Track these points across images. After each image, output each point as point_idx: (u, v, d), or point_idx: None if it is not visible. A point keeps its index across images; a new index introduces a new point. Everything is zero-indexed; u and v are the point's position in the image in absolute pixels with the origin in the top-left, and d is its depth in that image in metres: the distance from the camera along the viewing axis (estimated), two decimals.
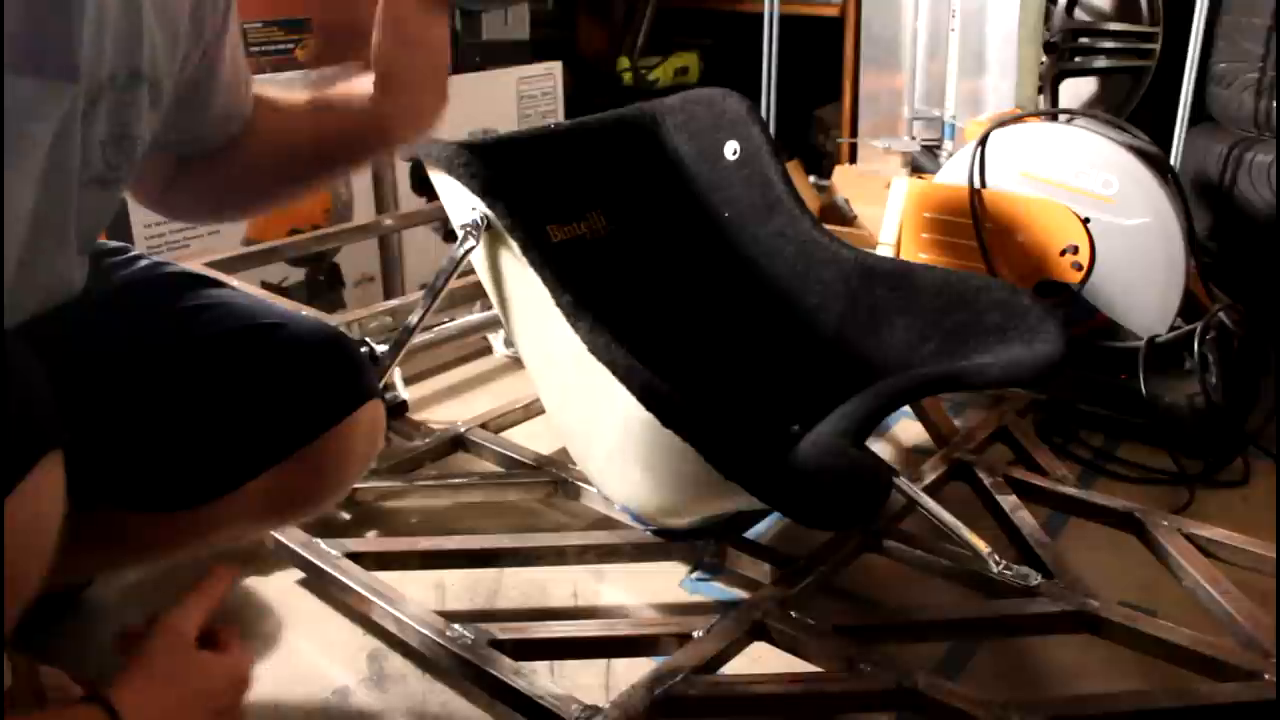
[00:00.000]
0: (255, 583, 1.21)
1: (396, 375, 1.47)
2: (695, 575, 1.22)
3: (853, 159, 2.44)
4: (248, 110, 0.90)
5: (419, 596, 1.11)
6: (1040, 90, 2.00)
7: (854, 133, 2.45)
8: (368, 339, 1.36)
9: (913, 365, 1.19)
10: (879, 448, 1.51)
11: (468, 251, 1.19)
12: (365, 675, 1.07)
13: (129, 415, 0.83)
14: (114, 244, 0.96)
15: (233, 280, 1.51)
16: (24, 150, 0.62)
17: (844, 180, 2.23)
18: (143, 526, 0.88)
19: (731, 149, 1.39)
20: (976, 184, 1.61)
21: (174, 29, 0.73)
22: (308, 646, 1.12)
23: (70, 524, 0.83)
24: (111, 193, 0.74)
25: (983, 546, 1.06)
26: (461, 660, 0.97)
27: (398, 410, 1.47)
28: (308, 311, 1.39)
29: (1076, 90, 2.16)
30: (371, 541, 1.25)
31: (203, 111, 0.85)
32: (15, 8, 0.59)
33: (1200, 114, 1.86)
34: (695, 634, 0.99)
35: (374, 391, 0.94)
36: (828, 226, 1.37)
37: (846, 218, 2.14)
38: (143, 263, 0.93)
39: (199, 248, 1.79)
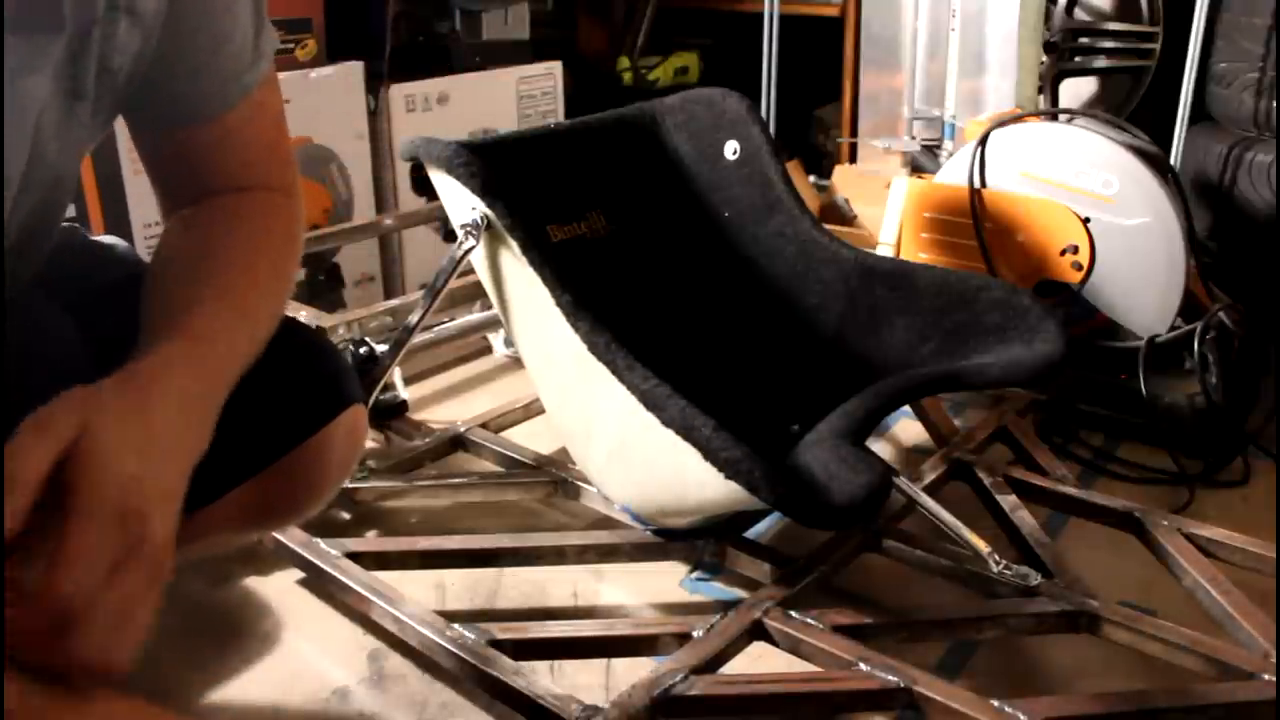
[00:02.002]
0: (255, 582, 1.21)
1: (396, 375, 1.47)
2: (695, 575, 1.22)
3: (853, 159, 2.44)
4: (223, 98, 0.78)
5: (419, 596, 1.11)
6: (1040, 90, 2.00)
7: (854, 133, 2.45)
8: (368, 339, 1.36)
9: (912, 365, 1.19)
10: (879, 447, 1.51)
11: (467, 251, 1.19)
12: (365, 675, 1.07)
13: None
14: (105, 239, 0.95)
15: None
16: (24, 107, 0.61)
17: (844, 180, 2.23)
18: None
19: (731, 149, 1.39)
20: (976, 184, 1.61)
21: None
22: (308, 646, 1.12)
23: None
24: (95, 129, 0.71)
25: (982, 546, 1.06)
26: (461, 660, 0.97)
27: (397, 410, 1.47)
28: (305, 313, 1.39)
29: (1076, 90, 2.16)
30: (371, 541, 1.25)
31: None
32: None
33: (1200, 114, 1.86)
34: (695, 634, 1.00)
35: (354, 397, 0.90)
36: (828, 226, 1.37)
37: (846, 218, 2.14)
38: (121, 258, 0.91)
39: None
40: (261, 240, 0.79)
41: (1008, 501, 1.21)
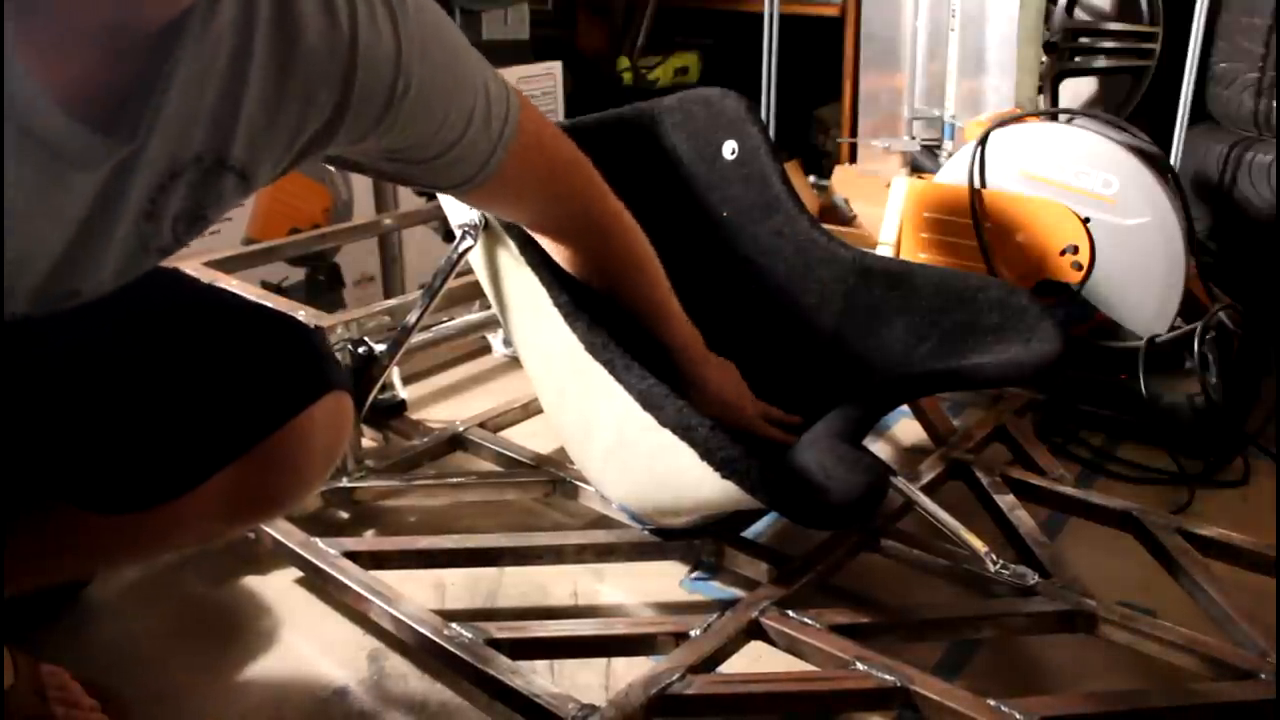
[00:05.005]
0: (254, 582, 1.21)
1: (395, 374, 1.47)
2: (693, 574, 1.22)
3: (853, 159, 2.44)
4: (476, 171, 0.87)
5: (419, 596, 1.11)
6: (1040, 90, 2.00)
7: (854, 133, 2.45)
8: (367, 339, 1.36)
9: (911, 364, 1.19)
10: (877, 447, 1.51)
11: (465, 251, 1.19)
12: (365, 675, 1.07)
13: (79, 409, 0.81)
14: None
15: (228, 279, 1.52)
16: (61, 192, 0.61)
17: (844, 180, 2.23)
18: (104, 528, 0.85)
19: (730, 148, 1.39)
20: (976, 184, 1.61)
21: (289, 135, 0.71)
22: (307, 646, 1.12)
23: (31, 524, 0.83)
24: (165, 258, 0.73)
25: (980, 546, 1.06)
26: (459, 659, 0.97)
27: (396, 409, 1.48)
28: (304, 313, 1.39)
29: (1076, 90, 2.16)
30: (370, 540, 1.25)
31: (414, 167, 0.84)
32: (102, 60, 0.59)
33: (1200, 114, 1.86)
34: (693, 633, 1.00)
35: (335, 383, 0.89)
36: (827, 227, 1.37)
37: (846, 218, 2.14)
38: None
39: (199, 247, 1.78)
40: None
41: (1006, 501, 1.21)
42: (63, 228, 0.63)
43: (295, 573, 1.19)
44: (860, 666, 0.94)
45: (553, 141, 0.96)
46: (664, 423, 0.95)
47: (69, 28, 0.57)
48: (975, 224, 1.61)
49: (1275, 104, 1.79)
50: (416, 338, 1.35)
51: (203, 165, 0.67)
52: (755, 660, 1.03)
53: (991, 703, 0.89)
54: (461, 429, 1.41)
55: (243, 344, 0.86)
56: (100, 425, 0.82)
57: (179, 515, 0.85)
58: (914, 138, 2.15)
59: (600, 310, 1.08)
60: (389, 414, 1.47)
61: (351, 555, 1.13)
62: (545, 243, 1.07)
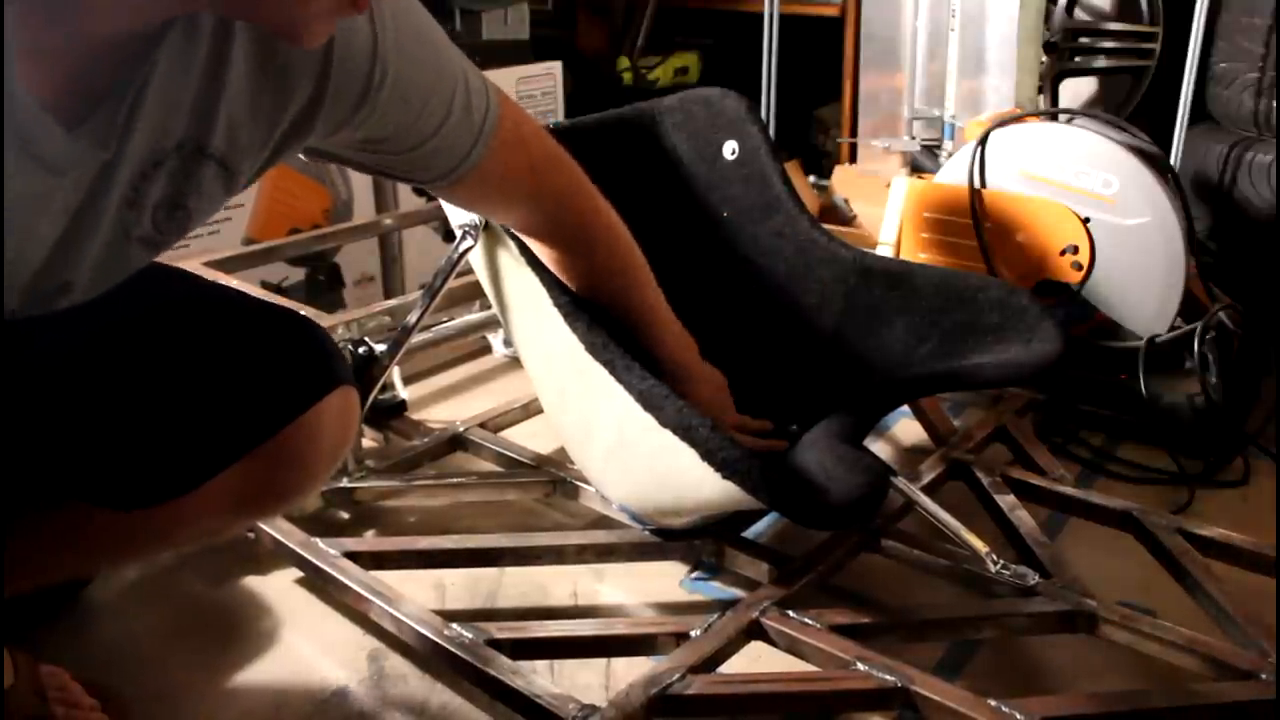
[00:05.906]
0: (254, 582, 1.21)
1: (395, 375, 1.47)
2: (694, 575, 1.22)
3: (853, 159, 2.44)
4: (461, 162, 0.87)
5: (419, 596, 1.11)
6: (1040, 90, 2.00)
7: (854, 133, 2.45)
8: (367, 339, 1.36)
9: (911, 365, 1.19)
10: (878, 447, 1.51)
11: (466, 251, 1.19)
12: (365, 675, 1.07)
13: (87, 405, 0.82)
14: None
15: (228, 279, 1.52)
16: (50, 191, 0.62)
17: (844, 180, 2.23)
18: (110, 525, 0.85)
19: (730, 148, 1.39)
20: (976, 184, 1.61)
21: (268, 125, 0.71)
22: (307, 646, 1.12)
23: (34, 522, 0.83)
24: (152, 253, 0.73)
25: (981, 546, 1.05)
26: (459, 660, 0.97)
27: (396, 409, 1.47)
28: (307, 312, 1.39)
29: (1076, 90, 2.16)
30: (370, 541, 1.25)
31: (400, 159, 0.84)
32: (77, 63, 0.59)
33: (1200, 114, 1.86)
34: (693, 633, 1.00)
35: (342, 378, 0.89)
36: (827, 226, 1.37)
37: (846, 218, 2.14)
38: None
39: (199, 247, 1.79)
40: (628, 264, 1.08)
41: (1006, 501, 1.21)
42: (53, 221, 0.64)
43: (295, 573, 1.19)
44: (861, 667, 0.94)
45: (535, 139, 0.95)
46: (664, 423, 0.95)
47: (74, 34, 0.57)
48: (975, 224, 1.61)
49: (1275, 104, 1.79)
50: (416, 338, 1.35)
51: (183, 153, 0.67)
52: (755, 660, 1.03)
53: (992, 703, 0.89)
54: (462, 429, 1.41)
55: (251, 340, 0.86)
56: (110, 422, 0.82)
57: (187, 511, 0.86)
58: (914, 138, 2.15)
59: (601, 311, 1.08)
60: (389, 414, 1.46)
61: (352, 555, 1.13)
62: (533, 244, 1.06)
